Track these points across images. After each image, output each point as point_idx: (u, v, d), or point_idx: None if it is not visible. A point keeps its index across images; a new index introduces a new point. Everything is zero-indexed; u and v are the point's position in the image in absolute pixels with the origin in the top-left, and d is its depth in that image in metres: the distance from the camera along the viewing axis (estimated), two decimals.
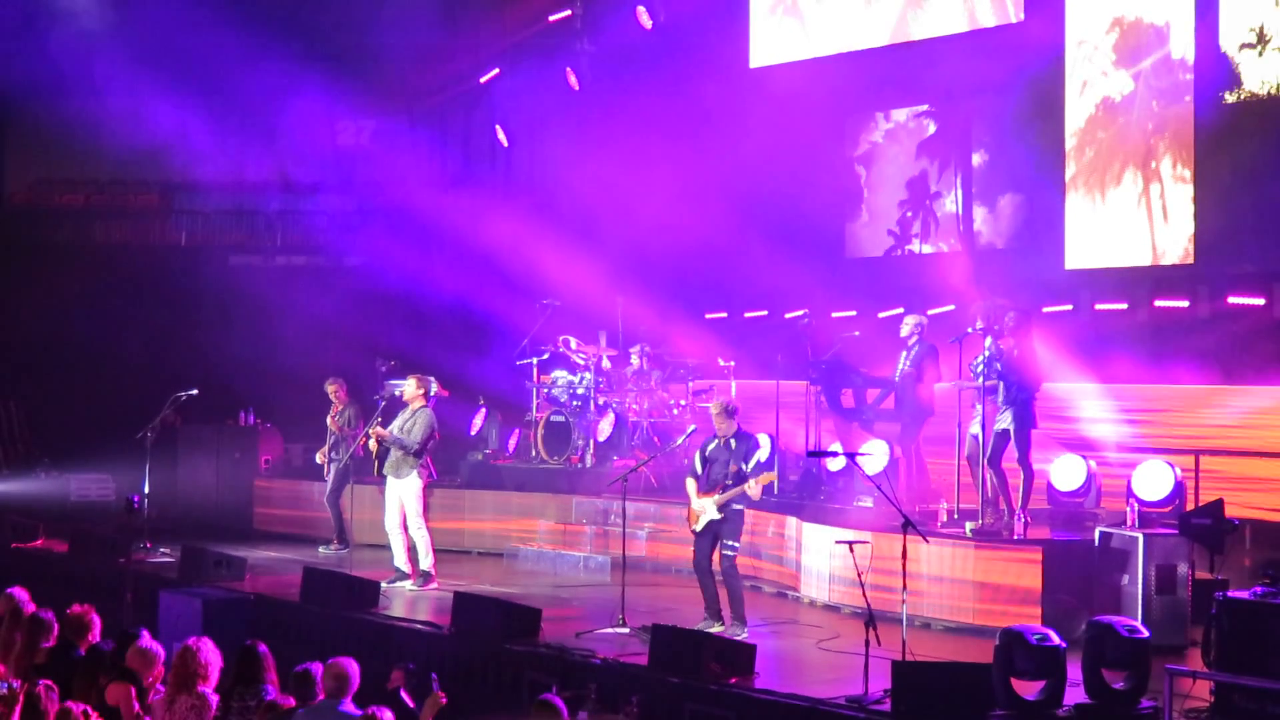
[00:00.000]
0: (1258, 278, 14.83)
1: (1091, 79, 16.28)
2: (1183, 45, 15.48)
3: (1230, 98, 15.04)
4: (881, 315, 16.46)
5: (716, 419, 11.46)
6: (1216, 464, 12.66)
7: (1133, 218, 15.83)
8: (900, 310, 14.51)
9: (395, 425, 13.97)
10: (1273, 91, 14.71)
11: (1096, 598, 11.00)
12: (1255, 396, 13.94)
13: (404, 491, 13.90)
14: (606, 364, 16.81)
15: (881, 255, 18.43)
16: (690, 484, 11.44)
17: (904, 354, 13.66)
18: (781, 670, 10.38)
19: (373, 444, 14.04)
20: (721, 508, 11.19)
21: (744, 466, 11.12)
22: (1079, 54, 16.36)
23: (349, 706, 8.02)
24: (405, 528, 13.90)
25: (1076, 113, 16.37)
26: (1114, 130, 16.07)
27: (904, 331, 13.79)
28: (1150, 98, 15.78)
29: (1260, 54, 14.74)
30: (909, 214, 18.23)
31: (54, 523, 17.41)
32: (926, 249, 17.98)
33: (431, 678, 8.63)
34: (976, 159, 17.62)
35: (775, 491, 14.18)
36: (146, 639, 8.91)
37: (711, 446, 11.44)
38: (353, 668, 8.20)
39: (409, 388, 14.19)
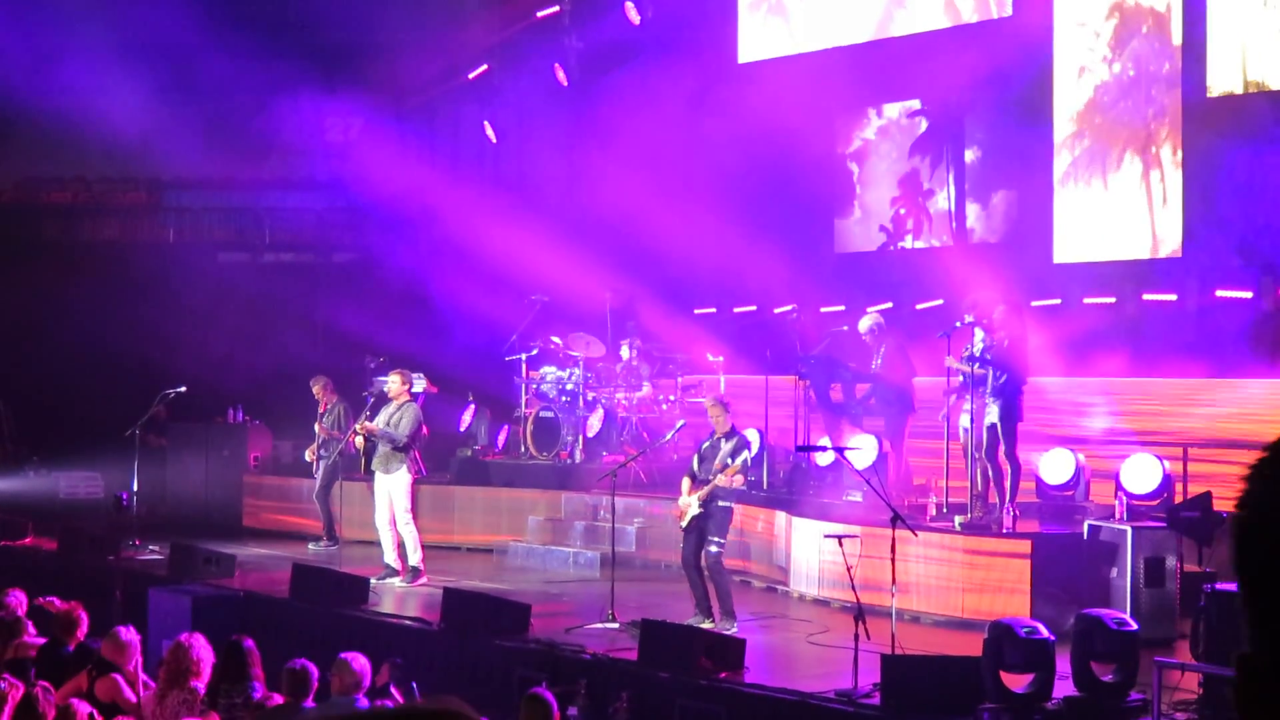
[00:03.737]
0: (1246, 271, 14.85)
1: (1075, 78, 16.30)
2: (1168, 43, 15.49)
3: (1215, 92, 15.07)
4: (871, 310, 16.46)
5: (712, 413, 11.46)
6: (1205, 457, 12.66)
7: (1120, 212, 15.85)
8: (889, 305, 14.52)
9: (380, 419, 13.97)
10: (1260, 86, 14.73)
11: (1085, 591, 11.00)
12: (1243, 389, 13.97)
13: (393, 487, 13.89)
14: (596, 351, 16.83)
15: (874, 250, 18.41)
16: (685, 481, 11.44)
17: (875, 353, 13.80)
18: (771, 665, 10.40)
19: (360, 440, 14.01)
20: (704, 503, 11.19)
21: (730, 463, 11.12)
22: (1065, 52, 16.38)
23: (363, 702, 8.05)
24: (394, 524, 13.90)
25: (1063, 108, 16.39)
26: (1099, 127, 16.09)
27: (866, 338, 13.88)
28: (1135, 95, 15.79)
29: (1239, 50, 14.77)
30: (902, 210, 18.23)
31: (43, 520, 17.35)
32: (919, 244, 17.98)
33: (412, 686, 8.67)
34: (969, 154, 17.63)
35: (764, 486, 14.20)
36: (121, 630, 8.92)
37: (707, 444, 11.45)
38: (364, 664, 8.25)
39: (393, 383, 14.19)
